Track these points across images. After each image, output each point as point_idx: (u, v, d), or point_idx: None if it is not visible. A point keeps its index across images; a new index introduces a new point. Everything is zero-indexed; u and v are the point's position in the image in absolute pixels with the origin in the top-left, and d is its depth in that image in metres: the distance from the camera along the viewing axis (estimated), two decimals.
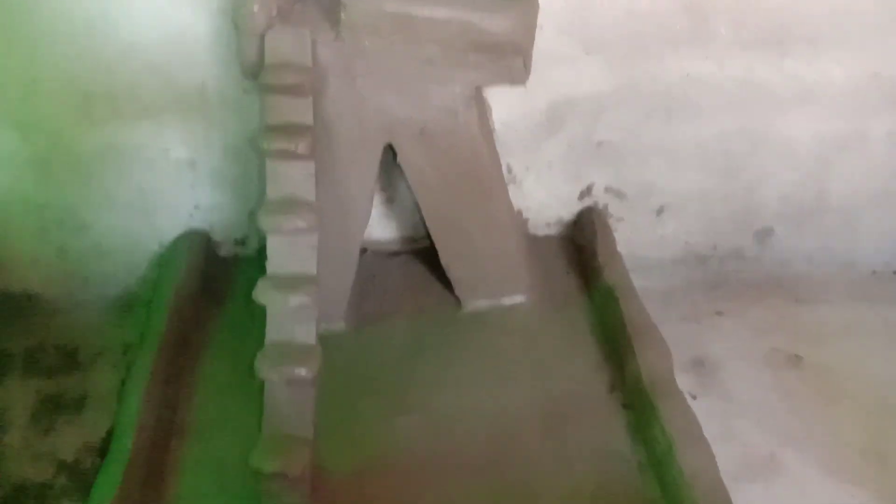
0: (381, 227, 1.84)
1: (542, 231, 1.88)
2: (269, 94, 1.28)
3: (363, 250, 1.80)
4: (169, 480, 1.35)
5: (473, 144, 1.45)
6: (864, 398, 1.66)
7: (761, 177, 1.82)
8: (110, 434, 1.47)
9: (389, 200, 1.80)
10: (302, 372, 1.21)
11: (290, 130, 1.26)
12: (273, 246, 1.25)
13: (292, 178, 1.26)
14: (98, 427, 1.59)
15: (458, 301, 1.70)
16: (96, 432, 1.58)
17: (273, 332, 1.25)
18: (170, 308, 1.59)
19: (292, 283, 1.24)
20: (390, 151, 1.48)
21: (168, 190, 1.72)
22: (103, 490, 1.26)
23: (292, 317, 1.24)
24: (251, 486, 1.27)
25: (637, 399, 1.43)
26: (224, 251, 1.84)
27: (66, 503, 1.48)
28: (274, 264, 1.26)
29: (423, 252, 1.84)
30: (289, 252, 1.25)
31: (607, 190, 1.82)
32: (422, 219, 1.66)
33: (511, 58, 1.38)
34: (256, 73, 1.35)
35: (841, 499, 1.48)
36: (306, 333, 1.24)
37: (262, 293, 1.24)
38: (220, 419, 1.46)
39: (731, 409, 1.63)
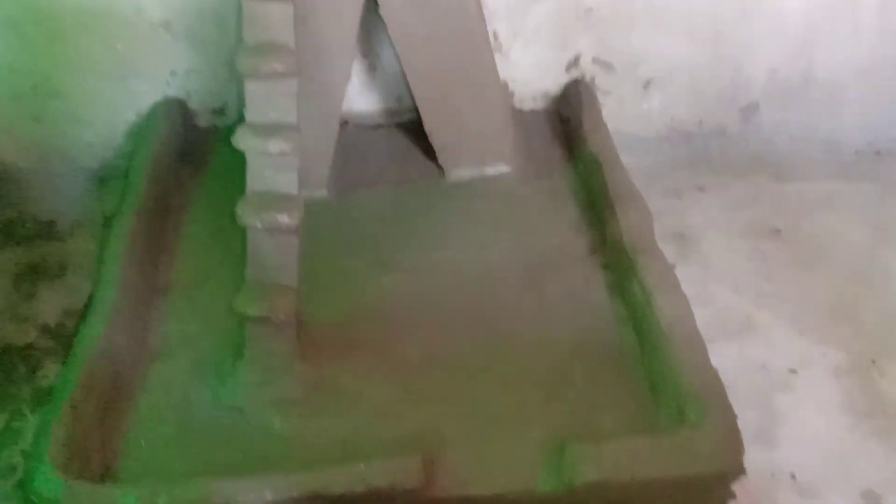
0: (362, 99, 1.81)
1: (527, 105, 1.85)
2: None
3: (344, 122, 1.77)
4: (153, 331, 1.37)
5: None
6: (839, 267, 1.69)
7: (749, 48, 1.80)
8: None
9: (371, 69, 1.76)
10: (284, 219, 1.21)
11: None
12: (251, 91, 1.23)
13: (270, 19, 1.22)
14: (80, 293, 1.59)
15: (441, 171, 1.69)
16: (78, 298, 1.58)
17: (254, 181, 1.24)
18: (148, 173, 1.57)
19: (272, 129, 1.22)
20: (372, 2, 1.43)
21: (143, 54, 1.67)
22: (86, 339, 1.27)
23: (273, 165, 1.22)
24: (237, 334, 1.29)
25: (616, 258, 1.45)
26: (202, 122, 1.80)
27: (51, 362, 1.50)
28: (252, 111, 1.24)
29: (406, 125, 1.82)
30: (267, 98, 1.22)
31: (595, 61, 1.79)
32: (406, 85, 1.62)
33: None
34: None
35: (812, 357, 1.52)
36: (288, 182, 1.23)
37: (242, 139, 1.22)
38: (204, 277, 1.46)
39: (708, 276, 1.66)
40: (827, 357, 1.53)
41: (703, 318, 1.36)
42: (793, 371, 1.50)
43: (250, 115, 1.23)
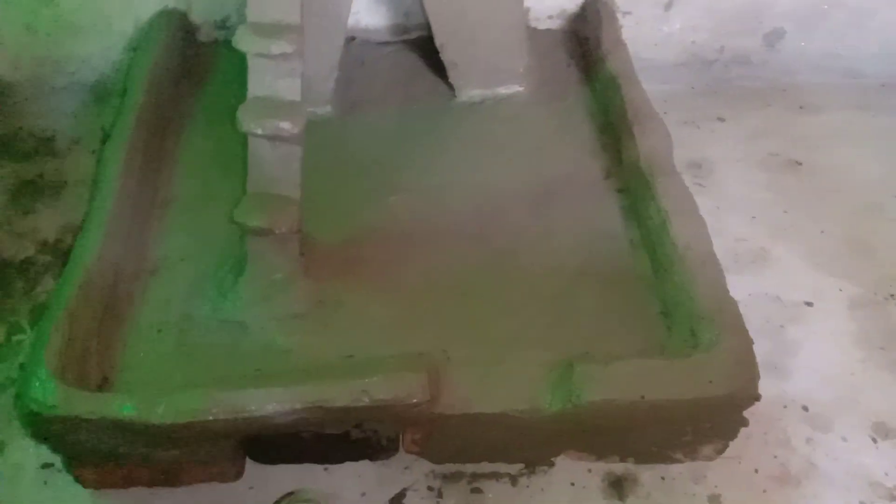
0: (370, 14, 1.73)
1: (543, 24, 1.77)
2: None
3: (351, 38, 1.70)
4: (152, 245, 1.33)
5: None
6: (857, 201, 1.64)
7: None
8: None
9: None
10: (286, 126, 1.15)
11: None
12: None
13: None
14: (79, 210, 1.54)
15: (451, 90, 1.62)
16: (77, 214, 1.54)
17: (255, 86, 1.18)
18: (147, 85, 1.51)
19: (274, 29, 1.15)
20: None
21: None
22: (83, 249, 1.23)
23: (275, 68, 1.16)
24: (238, 248, 1.25)
25: (632, 181, 1.40)
26: (203, 35, 1.73)
27: (49, 278, 1.47)
28: (253, 9, 1.17)
29: (415, 42, 1.74)
30: None
31: None
32: None
33: None
34: None
35: (828, 290, 1.49)
36: (290, 88, 1.17)
37: (242, 40, 1.15)
38: (205, 191, 1.42)
39: (724, 206, 1.61)
40: (843, 290, 1.49)
41: (717, 248, 1.32)
42: (808, 303, 1.47)
43: (251, 13, 1.17)
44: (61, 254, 1.50)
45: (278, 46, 1.13)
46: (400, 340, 1.20)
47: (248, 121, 1.15)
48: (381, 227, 1.36)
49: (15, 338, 1.39)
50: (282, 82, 1.16)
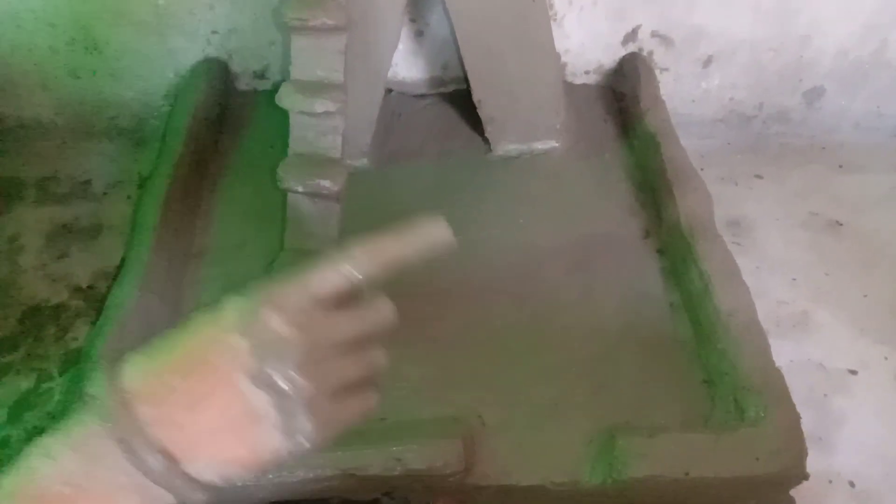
0: (407, 66, 1.73)
1: (579, 79, 1.77)
2: None
3: (388, 90, 1.71)
4: (185, 297, 1.32)
5: None
6: None
7: (819, 25, 1.68)
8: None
9: (418, 34, 1.68)
10: (327, 184, 1.14)
11: None
12: (297, 46, 1.16)
13: None
14: (113, 255, 1.56)
15: (487, 145, 1.62)
16: (112, 260, 1.55)
17: (296, 142, 1.18)
18: (186, 135, 1.52)
19: (317, 87, 1.15)
20: None
21: (184, 10, 1.61)
22: (117, 300, 1.22)
23: (317, 126, 1.15)
24: None
25: (673, 243, 1.37)
26: (242, 84, 1.75)
27: (81, 324, 1.46)
28: (298, 67, 1.17)
29: (451, 95, 1.75)
30: (314, 53, 1.15)
31: (654, 35, 1.70)
32: (455, 52, 1.55)
33: None
34: None
35: (874, 358, 1.44)
36: (331, 145, 1.17)
37: (285, 97, 1.15)
38: (239, 243, 1.41)
39: (764, 267, 1.57)
40: (890, 359, 1.44)
41: (759, 311, 1.28)
42: (852, 371, 1.42)
43: (295, 71, 1.17)
44: (94, 300, 1.49)
45: (322, 105, 1.13)
46: (433, 403, 1.17)
47: (289, 178, 1.14)
48: (416, 281, 1.33)
49: (44, 385, 1.37)
50: (323, 140, 1.15)
